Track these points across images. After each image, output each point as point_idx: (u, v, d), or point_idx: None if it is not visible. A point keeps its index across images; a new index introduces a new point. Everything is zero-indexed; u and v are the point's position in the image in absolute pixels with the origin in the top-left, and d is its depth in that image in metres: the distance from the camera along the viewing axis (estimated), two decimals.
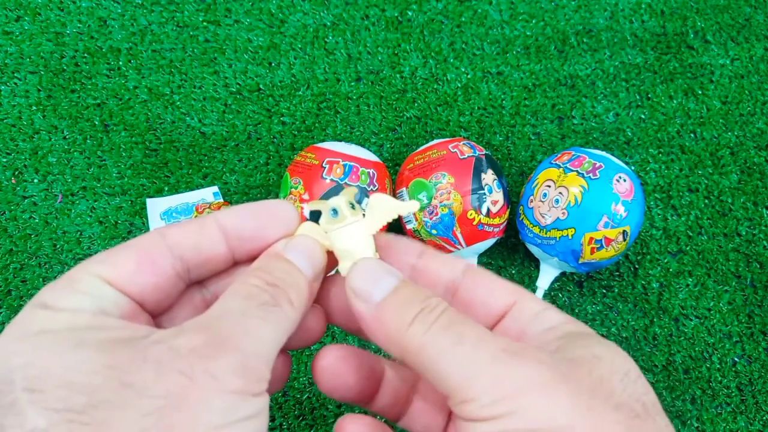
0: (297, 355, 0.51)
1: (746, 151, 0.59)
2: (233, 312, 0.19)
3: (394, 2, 0.64)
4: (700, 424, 0.50)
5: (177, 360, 0.17)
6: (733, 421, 0.50)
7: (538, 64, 0.62)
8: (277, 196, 0.56)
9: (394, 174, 0.57)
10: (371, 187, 0.49)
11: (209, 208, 0.55)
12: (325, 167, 0.49)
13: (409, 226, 0.51)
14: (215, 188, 0.57)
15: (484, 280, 0.23)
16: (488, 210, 0.49)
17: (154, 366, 0.17)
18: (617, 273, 0.54)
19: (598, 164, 0.48)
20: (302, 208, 0.49)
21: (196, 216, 0.55)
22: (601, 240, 0.47)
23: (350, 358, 0.24)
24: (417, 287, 0.21)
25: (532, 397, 0.18)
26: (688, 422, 0.50)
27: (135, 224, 0.56)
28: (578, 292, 0.54)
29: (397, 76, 0.62)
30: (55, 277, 0.53)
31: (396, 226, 0.53)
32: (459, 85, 0.61)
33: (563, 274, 0.54)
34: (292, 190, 0.49)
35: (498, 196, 0.50)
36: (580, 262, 0.48)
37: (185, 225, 0.22)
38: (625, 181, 0.47)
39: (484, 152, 0.51)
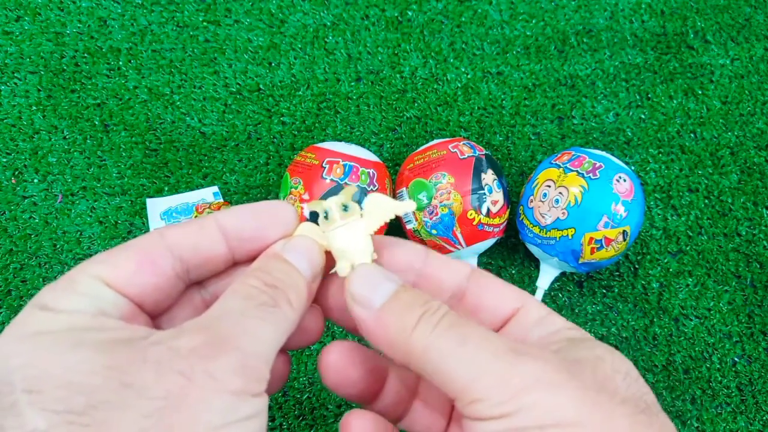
0: (297, 355, 0.52)
1: (746, 151, 0.59)
2: (233, 312, 0.19)
3: (394, 2, 0.64)
4: (700, 424, 0.50)
5: (177, 360, 0.17)
6: (733, 421, 0.50)
7: (538, 64, 0.62)
8: (277, 196, 0.56)
9: (394, 174, 0.57)
10: (371, 187, 0.49)
11: (209, 208, 0.55)
12: (325, 167, 0.49)
13: (409, 226, 0.51)
14: (215, 188, 0.57)
15: (491, 285, 0.23)
16: (488, 210, 0.49)
17: (154, 366, 0.17)
18: (617, 273, 0.54)
19: (598, 164, 0.48)
20: (302, 208, 0.49)
21: (196, 216, 0.55)
22: (601, 240, 0.47)
23: (356, 355, 0.24)
24: (416, 291, 0.21)
25: (539, 394, 0.18)
26: (688, 422, 0.50)
27: (135, 224, 0.56)
28: (578, 292, 0.54)
29: (397, 76, 0.62)
30: (55, 277, 0.53)
31: (396, 226, 0.53)
32: (459, 85, 0.61)
33: (563, 274, 0.54)
34: (292, 190, 0.49)
35: (498, 196, 0.50)
36: (580, 262, 0.48)
37: (185, 225, 0.22)
38: (625, 181, 0.47)
39: (484, 152, 0.51)
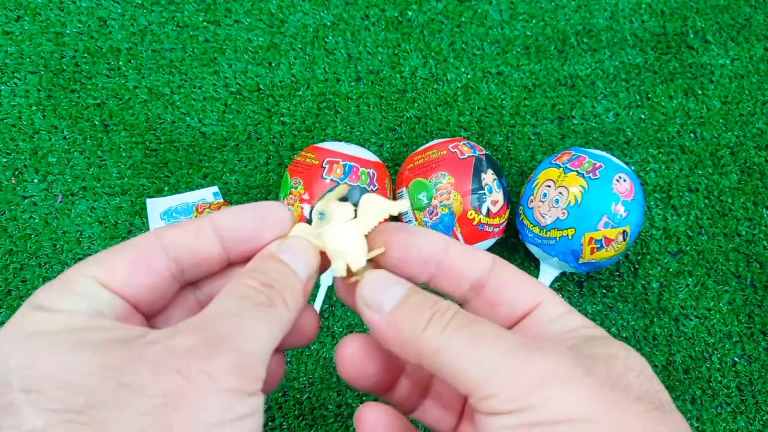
0: (297, 355, 0.52)
1: (746, 151, 0.59)
2: (228, 312, 0.20)
3: (394, 2, 0.64)
4: (700, 424, 0.50)
5: (173, 360, 0.17)
6: (733, 421, 0.50)
7: (538, 64, 0.62)
8: (277, 196, 0.56)
9: (394, 174, 0.57)
10: (371, 187, 0.49)
11: (209, 208, 0.55)
12: (325, 167, 0.49)
13: None
14: (215, 188, 0.57)
15: (511, 279, 0.23)
16: (488, 210, 0.49)
17: (151, 366, 0.17)
18: (617, 273, 0.54)
19: (598, 164, 0.48)
20: (302, 208, 0.49)
21: (196, 216, 0.55)
22: (601, 240, 0.47)
23: (372, 348, 0.24)
24: (426, 293, 0.22)
25: (552, 390, 0.18)
26: (688, 422, 0.50)
27: (135, 224, 0.56)
28: (578, 292, 0.54)
29: (397, 76, 0.62)
30: (54, 277, 0.53)
31: None
32: (459, 85, 0.61)
33: (563, 274, 0.54)
34: (292, 190, 0.49)
35: (498, 196, 0.50)
36: (580, 262, 0.48)
37: (181, 226, 0.22)
38: (625, 181, 0.47)
39: (484, 152, 0.51)
